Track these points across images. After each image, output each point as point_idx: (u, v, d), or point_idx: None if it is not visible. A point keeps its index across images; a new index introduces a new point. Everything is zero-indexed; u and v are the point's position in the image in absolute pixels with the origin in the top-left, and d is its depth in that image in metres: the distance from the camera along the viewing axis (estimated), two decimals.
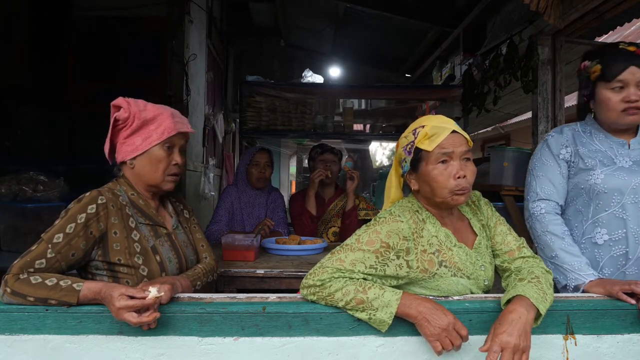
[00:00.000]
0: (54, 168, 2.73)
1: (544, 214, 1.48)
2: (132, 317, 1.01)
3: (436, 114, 3.82)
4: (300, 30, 6.05)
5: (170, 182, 1.38)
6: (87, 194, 1.25)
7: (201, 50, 4.10)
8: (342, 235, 2.61)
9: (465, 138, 1.20)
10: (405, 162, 1.24)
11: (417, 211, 1.24)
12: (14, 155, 3.23)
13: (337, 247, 1.17)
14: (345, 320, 1.11)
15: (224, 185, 5.30)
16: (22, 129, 3.29)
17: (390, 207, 1.27)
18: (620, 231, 1.40)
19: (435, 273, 1.18)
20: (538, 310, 1.06)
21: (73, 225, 1.17)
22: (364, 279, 1.12)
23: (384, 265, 1.14)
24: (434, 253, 1.19)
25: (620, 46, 1.42)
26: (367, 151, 7.65)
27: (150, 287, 1.05)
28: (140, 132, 1.32)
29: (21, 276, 1.09)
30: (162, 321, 1.08)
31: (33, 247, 1.14)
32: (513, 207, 2.85)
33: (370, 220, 1.24)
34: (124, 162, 1.36)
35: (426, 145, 1.17)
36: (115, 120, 1.32)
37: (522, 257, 1.27)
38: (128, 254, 1.26)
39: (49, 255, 1.13)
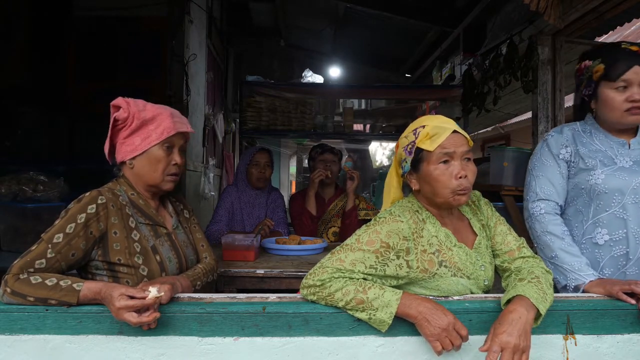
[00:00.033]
0: (54, 168, 2.73)
1: (543, 214, 1.48)
2: (132, 317, 1.01)
3: (436, 114, 3.83)
4: (300, 30, 6.05)
5: (170, 182, 1.38)
6: (87, 194, 1.25)
7: (201, 50, 4.10)
8: (342, 235, 2.61)
9: (466, 138, 1.20)
10: (406, 162, 1.24)
11: (417, 211, 1.24)
12: (14, 155, 3.23)
13: (337, 247, 1.17)
14: (345, 320, 1.11)
15: (224, 185, 5.30)
16: (22, 129, 3.29)
17: (390, 207, 1.27)
18: (620, 231, 1.40)
19: (435, 273, 1.18)
20: (538, 310, 1.06)
21: (73, 225, 1.17)
22: (364, 279, 1.12)
23: (384, 265, 1.13)
24: (434, 253, 1.19)
25: (623, 46, 1.42)
26: (367, 151, 7.64)
27: (150, 287, 1.05)
28: (139, 132, 1.33)
29: (21, 276, 1.09)
30: (162, 321, 1.08)
31: (33, 247, 1.14)
32: (513, 207, 2.85)
33: (370, 220, 1.24)
34: (123, 162, 1.36)
35: (427, 145, 1.17)
36: (115, 120, 1.32)
37: (522, 257, 1.27)
38: (128, 254, 1.26)
39: (49, 255, 1.13)
